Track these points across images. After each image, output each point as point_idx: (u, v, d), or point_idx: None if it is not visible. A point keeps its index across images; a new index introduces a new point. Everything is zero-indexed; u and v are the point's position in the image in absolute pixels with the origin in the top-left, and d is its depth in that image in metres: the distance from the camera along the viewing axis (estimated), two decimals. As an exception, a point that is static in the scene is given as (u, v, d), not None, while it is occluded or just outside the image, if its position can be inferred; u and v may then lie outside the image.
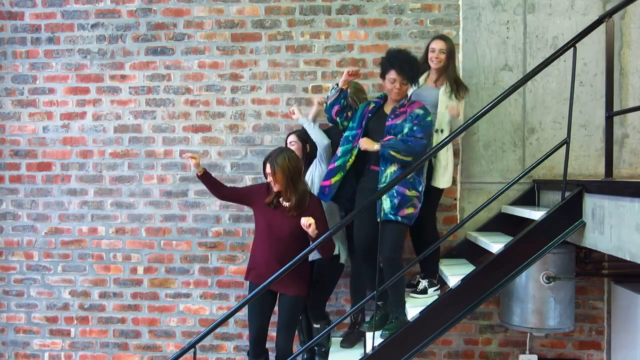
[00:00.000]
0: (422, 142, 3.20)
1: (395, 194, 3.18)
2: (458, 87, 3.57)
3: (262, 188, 3.50)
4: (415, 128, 3.22)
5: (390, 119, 3.30)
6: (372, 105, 3.45)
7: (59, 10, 4.30)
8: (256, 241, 3.46)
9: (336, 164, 3.41)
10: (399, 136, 3.23)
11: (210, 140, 4.23)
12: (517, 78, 3.86)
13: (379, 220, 3.13)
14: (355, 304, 3.42)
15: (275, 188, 3.33)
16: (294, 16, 4.16)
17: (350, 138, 3.41)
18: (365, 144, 3.27)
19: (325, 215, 3.41)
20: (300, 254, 2.93)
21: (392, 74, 3.26)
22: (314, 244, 2.99)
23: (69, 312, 4.33)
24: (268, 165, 3.31)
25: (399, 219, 3.19)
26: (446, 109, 3.52)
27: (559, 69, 3.94)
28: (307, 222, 3.12)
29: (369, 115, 3.41)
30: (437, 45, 3.57)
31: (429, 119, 3.29)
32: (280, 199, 3.37)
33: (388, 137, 3.24)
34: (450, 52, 3.58)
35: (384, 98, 3.45)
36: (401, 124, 3.26)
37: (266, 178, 3.39)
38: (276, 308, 3.45)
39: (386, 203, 3.18)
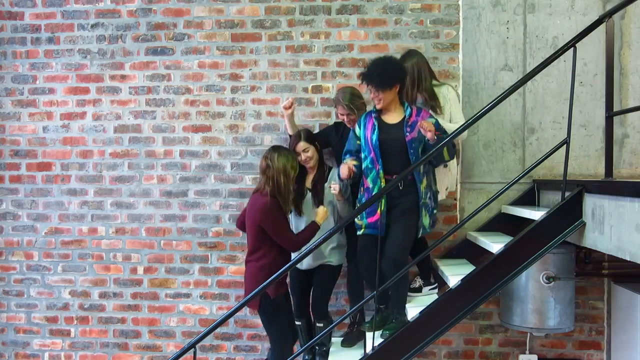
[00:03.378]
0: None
1: (432, 211, 3.34)
2: (433, 101, 3.55)
3: (278, 205, 3.40)
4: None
5: (408, 133, 3.24)
6: (372, 120, 3.35)
7: (59, 10, 4.30)
8: (284, 251, 3.40)
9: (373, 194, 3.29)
10: (420, 147, 3.27)
11: (210, 140, 4.23)
12: (517, 78, 3.86)
13: (419, 236, 3.30)
14: (354, 305, 3.43)
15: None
16: (294, 16, 4.16)
17: (370, 165, 3.30)
18: (428, 127, 3.11)
19: None
20: (298, 256, 2.99)
21: (369, 88, 3.29)
22: (315, 242, 2.99)
23: (69, 312, 4.33)
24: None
25: (429, 230, 3.34)
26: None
27: (559, 69, 3.94)
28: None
29: (375, 132, 3.30)
30: None
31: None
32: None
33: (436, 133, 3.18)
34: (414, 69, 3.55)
35: (378, 110, 3.38)
36: (420, 136, 3.24)
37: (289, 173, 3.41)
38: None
39: (426, 220, 3.28)
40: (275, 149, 3.48)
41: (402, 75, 3.31)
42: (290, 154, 3.46)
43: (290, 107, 3.77)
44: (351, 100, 3.61)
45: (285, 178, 3.35)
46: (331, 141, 3.84)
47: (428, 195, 3.29)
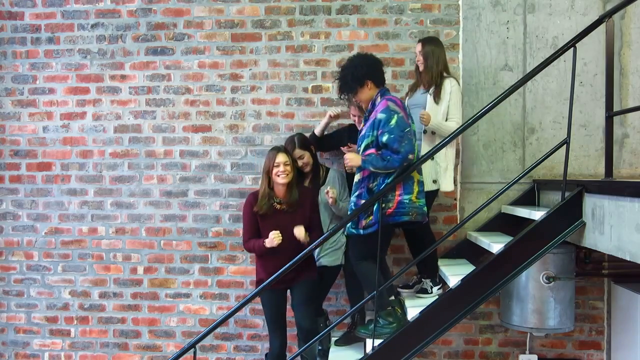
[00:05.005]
0: (398, 157, 2.93)
1: (352, 208, 3.15)
2: (437, 90, 3.50)
3: (252, 201, 3.46)
4: (385, 139, 2.96)
5: (363, 129, 3.16)
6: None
7: (59, 10, 4.30)
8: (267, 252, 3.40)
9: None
10: (364, 142, 3.08)
11: (210, 140, 4.23)
12: (517, 78, 3.86)
13: (345, 234, 3.26)
14: (353, 304, 3.42)
15: (285, 181, 3.36)
16: (294, 16, 4.16)
17: None
18: (352, 161, 3.11)
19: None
20: (306, 250, 3.01)
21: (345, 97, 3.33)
22: (314, 244, 3.00)
23: (69, 312, 4.33)
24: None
25: (361, 231, 3.07)
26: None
27: (559, 69, 3.94)
28: (303, 236, 3.31)
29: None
30: (417, 48, 3.62)
31: (394, 121, 2.97)
32: (276, 202, 3.41)
33: (368, 152, 3.05)
34: (427, 53, 3.52)
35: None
36: (366, 132, 3.08)
37: (270, 173, 3.38)
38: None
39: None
40: (271, 149, 3.49)
41: (361, 71, 3.12)
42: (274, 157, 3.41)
43: (337, 117, 3.89)
44: None
45: (264, 176, 3.41)
46: (343, 143, 3.84)
47: (344, 197, 3.33)
